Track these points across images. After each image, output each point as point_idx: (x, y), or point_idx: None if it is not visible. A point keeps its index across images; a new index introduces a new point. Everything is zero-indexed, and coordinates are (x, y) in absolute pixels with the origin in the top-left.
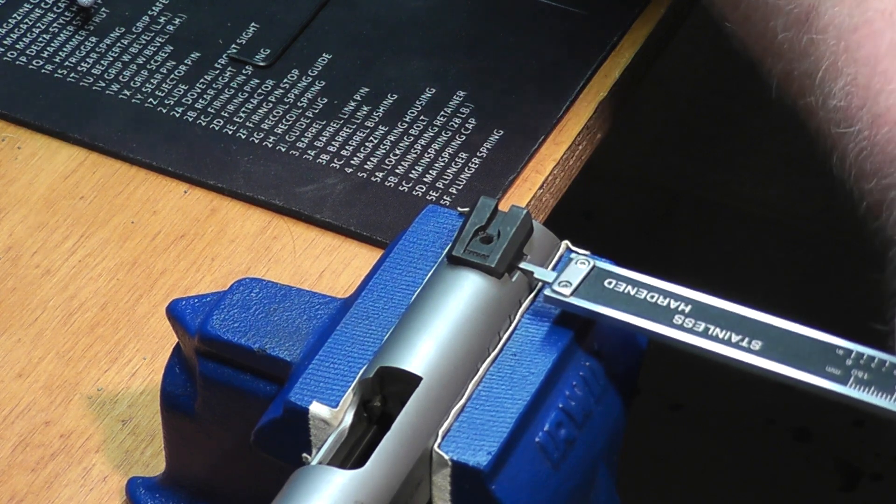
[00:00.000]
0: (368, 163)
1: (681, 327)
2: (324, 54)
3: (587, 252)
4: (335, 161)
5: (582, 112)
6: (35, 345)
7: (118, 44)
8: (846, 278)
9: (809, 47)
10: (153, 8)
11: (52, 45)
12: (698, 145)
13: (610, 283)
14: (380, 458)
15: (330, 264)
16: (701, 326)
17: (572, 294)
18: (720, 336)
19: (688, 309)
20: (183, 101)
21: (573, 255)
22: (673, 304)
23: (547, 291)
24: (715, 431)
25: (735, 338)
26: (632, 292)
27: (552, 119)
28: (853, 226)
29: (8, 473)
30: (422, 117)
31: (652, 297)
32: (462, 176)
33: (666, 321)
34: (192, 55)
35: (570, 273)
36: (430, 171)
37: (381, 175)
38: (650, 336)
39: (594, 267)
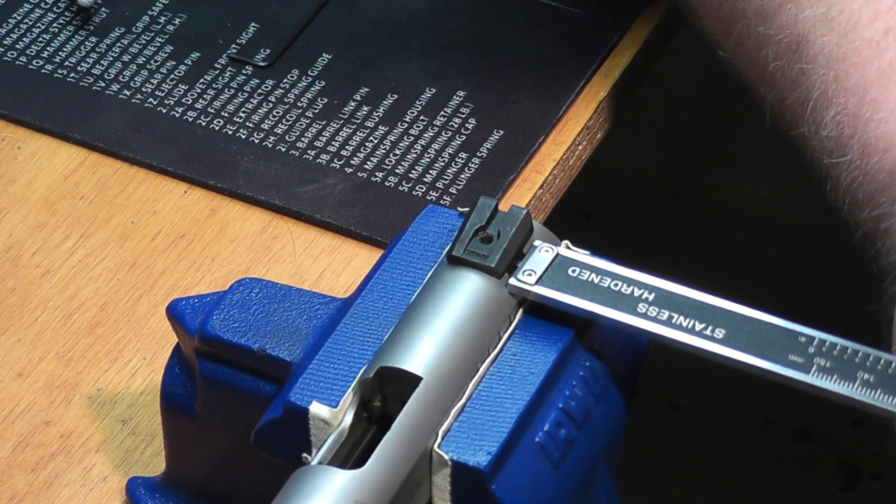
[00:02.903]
0: (368, 163)
1: (644, 315)
2: (324, 54)
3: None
4: (335, 161)
5: (582, 112)
6: (35, 345)
7: (118, 44)
8: (846, 278)
9: (800, 76)
10: (153, 8)
11: (52, 45)
12: (698, 145)
13: (574, 271)
14: (380, 458)
15: (330, 264)
16: (665, 315)
17: (536, 283)
18: (684, 324)
19: (651, 297)
20: (183, 101)
21: (538, 244)
22: (637, 292)
23: (511, 280)
24: (715, 431)
25: (699, 326)
26: (595, 280)
27: (552, 119)
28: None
29: (8, 473)
30: (422, 117)
31: (616, 284)
32: (462, 176)
33: (629, 309)
34: (192, 55)
35: (534, 262)
36: (430, 171)
37: (381, 175)
38: (613, 325)
39: (557, 255)
